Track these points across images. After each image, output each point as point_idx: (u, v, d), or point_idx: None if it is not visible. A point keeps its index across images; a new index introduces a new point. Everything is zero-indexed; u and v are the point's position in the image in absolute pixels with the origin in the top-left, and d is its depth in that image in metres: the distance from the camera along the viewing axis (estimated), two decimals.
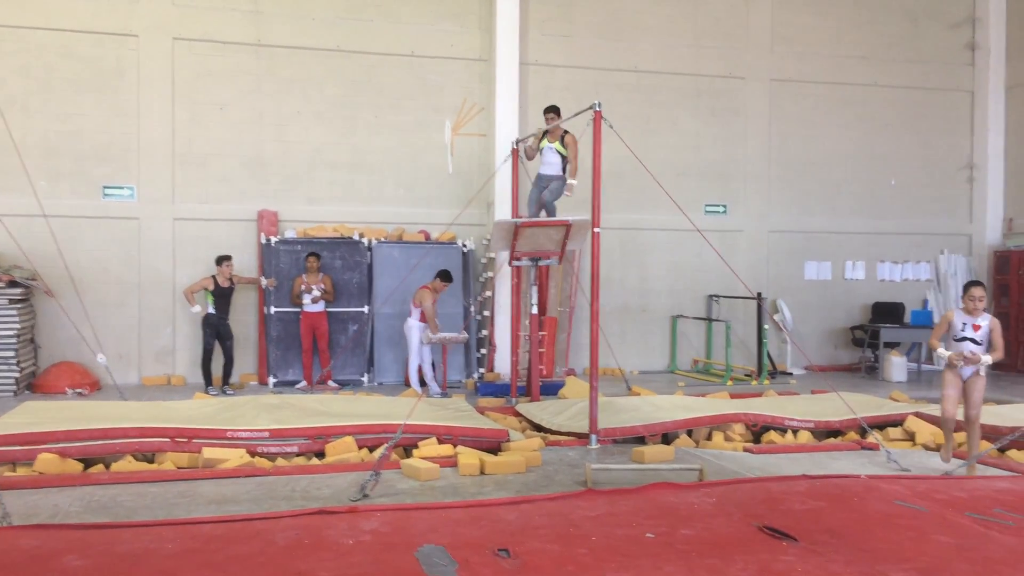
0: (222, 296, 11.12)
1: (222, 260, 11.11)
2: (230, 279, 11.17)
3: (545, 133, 10.22)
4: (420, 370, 11.07)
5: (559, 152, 10.09)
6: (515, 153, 10.81)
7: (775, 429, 8.53)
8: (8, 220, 10.18)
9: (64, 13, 11.54)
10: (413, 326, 11.00)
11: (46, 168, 11.48)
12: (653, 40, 13.67)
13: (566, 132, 10.03)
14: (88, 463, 6.97)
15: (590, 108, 8.47)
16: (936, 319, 14.17)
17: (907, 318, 13.91)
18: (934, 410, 9.08)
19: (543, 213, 10.31)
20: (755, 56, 14.12)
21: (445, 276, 11.09)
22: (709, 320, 13.73)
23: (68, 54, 11.61)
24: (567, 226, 9.85)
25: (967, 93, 15.10)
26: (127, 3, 11.75)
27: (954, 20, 15.01)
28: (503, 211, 12.17)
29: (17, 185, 10.89)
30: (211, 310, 11.07)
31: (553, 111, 10.23)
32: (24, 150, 10.62)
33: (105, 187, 11.79)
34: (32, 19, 11.44)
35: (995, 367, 14.14)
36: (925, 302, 14.72)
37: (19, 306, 10.75)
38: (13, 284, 10.72)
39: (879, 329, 13.20)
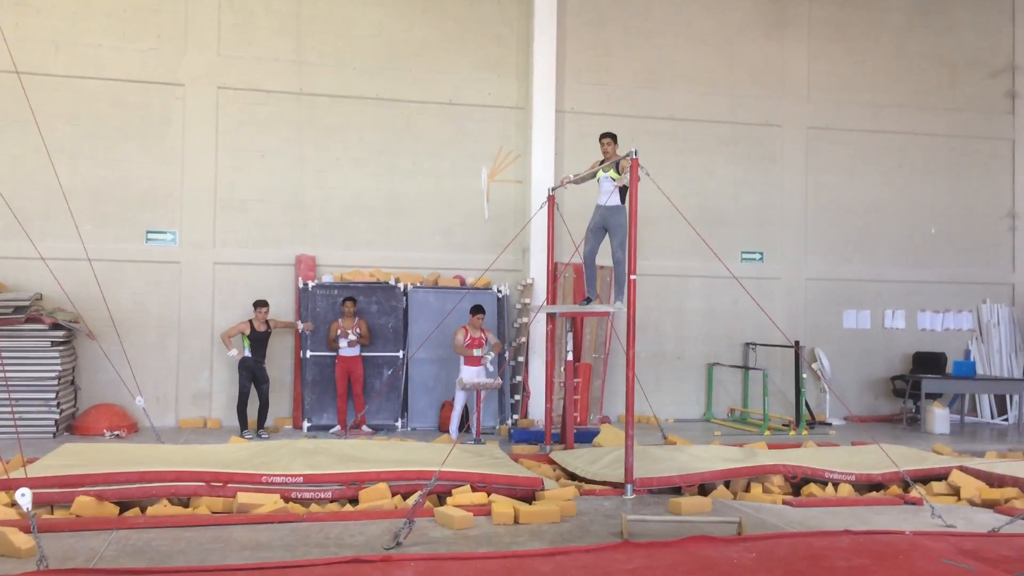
0: (258, 340, 11.22)
1: (258, 305, 11.23)
2: (266, 323, 11.28)
3: (601, 163, 9.65)
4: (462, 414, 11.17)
5: (613, 179, 9.38)
6: (551, 200, 10.85)
7: (815, 481, 8.35)
8: (54, 264, 10.38)
9: (115, 64, 11.89)
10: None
11: (91, 213, 11.74)
12: (689, 88, 13.75)
13: (622, 158, 9.28)
14: (124, 506, 7.00)
15: (627, 156, 8.51)
16: (979, 370, 13.90)
17: (949, 368, 13.64)
18: (979, 464, 8.87)
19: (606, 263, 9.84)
20: (792, 104, 14.13)
21: (474, 309, 11.26)
22: (746, 368, 13.57)
23: (117, 103, 11.93)
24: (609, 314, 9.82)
25: (1008, 141, 14.95)
26: (175, 54, 12.08)
27: (993, 69, 14.92)
28: (538, 257, 12.21)
29: (63, 230, 11.13)
30: (247, 354, 11.17)
31: (609, 137, 9.60)
32: (71, 195, 10.84)
33: (148, 231, 12.01)
34: (84, 69, 11.78)
35: None
36: (967, 352, 14.44)
37: (61, 348, 10.93)
38: (56, 327, 10.91)
39: (920, 379, 12.95)
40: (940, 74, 14.75)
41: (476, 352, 11.15)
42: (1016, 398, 13.63)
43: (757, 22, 14.06)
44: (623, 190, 9.19)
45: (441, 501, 7.33)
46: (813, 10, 14.22)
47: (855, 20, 14.41)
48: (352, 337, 11.55)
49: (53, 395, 10.72)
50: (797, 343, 12.87)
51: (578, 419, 11.55)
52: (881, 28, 14.52)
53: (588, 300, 9.84)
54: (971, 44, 14.87)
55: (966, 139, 14.80)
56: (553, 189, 10.99)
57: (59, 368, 10.79)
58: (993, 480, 8.21)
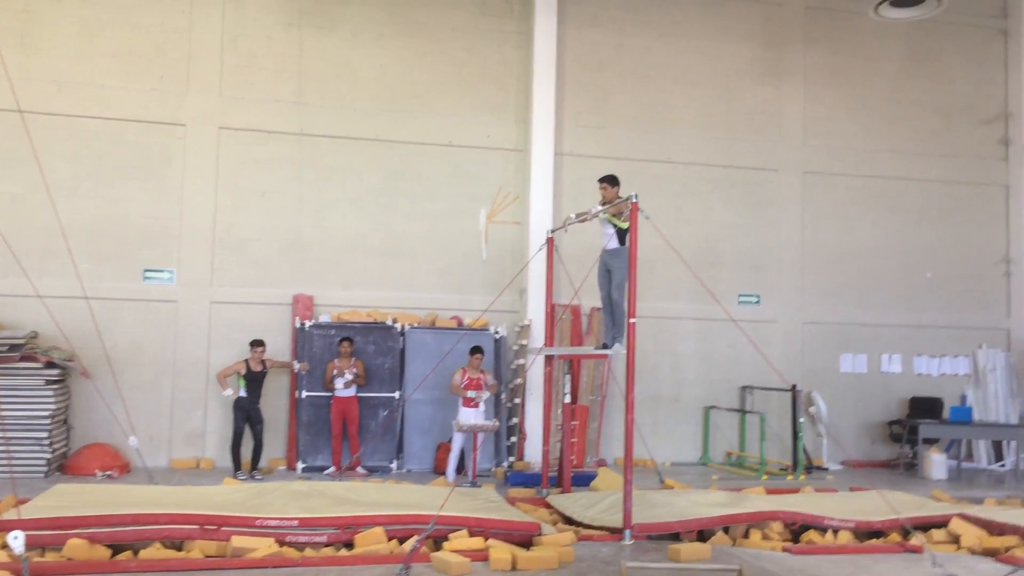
0: (254, 380, 11.17)
1: (255, 345, 11.19)
2: (262, 363, 11.23)
3: (603, 205, 9.37)
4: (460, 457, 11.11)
5: (611, 223, 9.19)
6: (550, 242, 10.88)
7: (815, 528, 8.28)
8: (51, 301, 10.37)
9: (117, 103, 11.97)
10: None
11: (89, 251, 11.73)
12: (687, 132, 13.87)
13: (621, 201, 9.11)
14: (117, 549, 6.90)
15: (627, 199, 8.56)
16: (976, 415, 13.87)
17: (946, 413, 13.61)
18: (979, 511, 8.82)
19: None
20: (788, 149, 14.26)
21: (473, 350, 11.26)
22: (743, 412, 13.52)
23: (118, 142, 11.99)
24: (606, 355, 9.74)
25: (1002, 187, 15.08)
26: (177, 94, 12.17)
27: (987, 116, 15.10)
28: (536, 299, 12.22)
29: (61, 268, 11.13)
30: (243, 394, 11.11)
31: (607, 180, 9.38)
32: (69, 233, 10.86)
33: (146, 270, 12.01)
34: (87, 108, 11.86)
35: None
36: (964, 397, 14.40)
37: (55, 387, 10.86)
38: (51, 365, 10.84)
39: (917, 425, 12.91)
40: (934, 121, 14.92)
41: (471, 394, 11.08)
42: (1013, 444, 13.58)
43: (753, 68, 14.23)
44: (621, 233, 9.13)
45: (437, 546, 7.25)
46: (808, 57, 14.41)
47: (850, 67, 14.60)
48: (348, 377, 11.51)
49: (46, 434, 10.63)
50: (794, 387, 12.84)
51: (575, 462, 11.47)
52: (876, 75, 14.71)
53: (605, 346, 9.67)
54: (965, 91, 15.05)
55: (961, 185, 14.92)
56: (554, 231, 11.01)
57: (52, 407, 10.71)
58: (993, 528, 8.14)
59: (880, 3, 12.16)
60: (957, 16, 14.61)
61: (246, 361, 11.17)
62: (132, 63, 12.09)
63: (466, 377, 11.18)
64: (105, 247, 11.89)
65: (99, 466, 10.89)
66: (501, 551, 6.83)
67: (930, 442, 12.96)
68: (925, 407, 13.77)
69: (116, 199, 11.97)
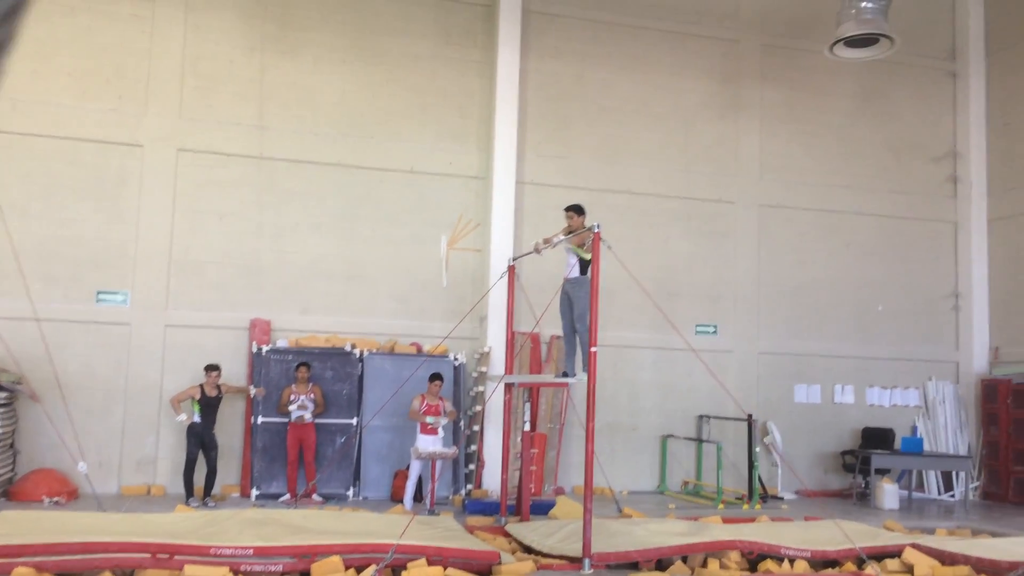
0: (208, 405, 10.98)
1: (210, 369, 11.02)
2: (218, 388, 11.06)
3: (568, 233, 9.39)
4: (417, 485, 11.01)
5: (577, 254, 9.18)
6: (511, 270, 10.91)
7: (772, 557, 8.35)
8: None
9: (72, 122, 11.80)
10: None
11: (41, 272, 11.49)
12: (646, 164, 14.05)
13: (584, 231, 9.09)
14: None
15: (589, 229, 8.62)
16: (926, 446, 14.13)
17: (897, 444, 13.85)
18: (931, 541, 8.96)
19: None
20: (744, 182, 14.51)
21: (432, 377, 11.20)
22: (699, 441, 13.62)
23: (72, 162, 11.81)
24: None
25: (951, 224, 15.48)
26: (135, 115, 12.03)
27: (936, 154, 15.54)
28: (497, 326, 12.23)
29: (11, 288, 10.90)
30: (196, 419, 10.91)
31: (572, 209, 9.44)
32: (21, 253, 10.64)
33: (99, 292, 11.79)
34: (41, 127, 11.67)
35: (986, 497, 14.13)
36: (914, 428, 14.68)
37: (2, 410, 10.58)
38: None
39: (870, 455, 13.11)
40: (886, 157, 15.30)
41: (429, 420, 11.00)
42: (961, 474, 13.85)
43: (712, 103, 14.50)
44: (584, 263, 9.18)
45: (396, 575, 7.16)
46: (765, 93, 14.73)
47: (805, 104, 14.95)
48: (304, 404, 11.36)
49: None
50: (750, 416, 12.96)
51: (533, 490, 11.44)
52: (830, 112, 15.07)
53: (565, 374, 9.69)
54: (915, 130, 15.48)
55: (911, 221, 15.29)
56: (515, 259, 11.03)
57: None
58: (945, 558, 8.27)
59: (834, 43, 12.48)
60: (908, 57, 15.05)
61: (201, 386, 10.99)
62: (90, 83, 11.94)
63: (424, 403, 11.11)
64: (57, 268, 11.66)
65: (46, 492, 10.58)
66: None
67: (882, 472, 13.16)
68: (877, 438, 14.00)
69: (70, 220, 11.75)
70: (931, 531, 10.32)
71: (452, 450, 11.12)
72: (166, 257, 12.02)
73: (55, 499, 10.54)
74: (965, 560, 8.12)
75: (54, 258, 11.65)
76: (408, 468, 11.27)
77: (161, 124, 12.11)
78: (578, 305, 9.24)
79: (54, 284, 11.61)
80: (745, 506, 12.29)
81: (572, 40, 13.91)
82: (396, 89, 13.10)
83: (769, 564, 8.23)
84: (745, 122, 14.60)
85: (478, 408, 12.36)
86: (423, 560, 7.27)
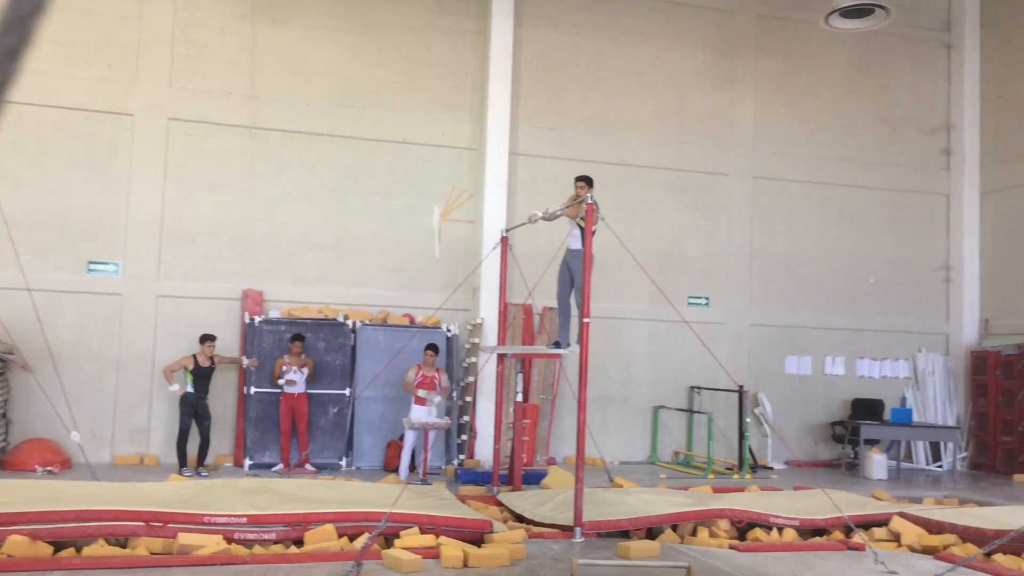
0: (202, 376, 10.99)
1: (205, 339, 11.01)
2: (211, 359, 11.06)
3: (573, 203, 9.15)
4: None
5: (579, 225, 8.97)
6: (504, 241, 10.90)
7: (761, 526, 8.44)
8: None
9: (63, 91, 11.69)
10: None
11: (32, 242, 11.43)
12: (640, 135, 14.01)
13: (579, 202, 8.99)
14: (59, 546, 6.75)
15: (583, 201, 8.61)
16: (915, 417, 14.24)
17: (887, 415, 13.95)
18: (918, 510, 9.06)
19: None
20: (738, 154, 14.48)
21: (428, 347, 11.24)
22: (691, 412, 13.70)
23: (63, 131, 11.71)
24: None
25: (943, 196, 15.49)
26: (125, 84, 11.93)
27: (930, 127, 15.51)
28: (489, 298, 12.23)
29: (2, 258, 10.84)
30: (190, 389, 10.92)
31: (582, 180, 9.13)
32: (12, 223, 10.61)
33: (90, 262, 11.75)
34: (31, 96, 11.52)
35: (974, 467, 14.28)
36: (904, 400, 14.79)
37: None
38: None
39: (859, 426, 13.22)
40: (879, 130, 15.27)
41: (422, 394, 11.03)
42: (950, 445, 13.98)
43: (706, 74, 14.43)
44: (584, 233, 9.13)
45: (388, 543, 7.22)
46: (759, 65, 14.65)
47: (799, 76, 14.88)
48: (292, 379, 11.36)
49: None
50: (741, 387, 13.05)
51: (525, 460, 11.51)
52: (823, 84, 15.01)
53: (557, 344, 9.72)
54: (909, 102, 15.44)
55: (904, 193, 15.30)
56: (508, 230, 11.04)
57: None
58: (932, 527, 8.38)
59: (830, 13, 12.41)
60: (903, 29, 14.98)
61: (194, 356, 10.99)
62: (79, 51, 11.81)
63: (420, 374, 11.14)
64: (48, 238, 11.60)
65: (39, 461, 10.61)
66: (452, 548, 6.84)
67: (871, 443, 13.27)
68: (867, 409, 14.10)
69: (60, 189, 11.68)
70: (919, 500, 10.44)
71: (445, 421, 11.17)
72: (158, 227, 11.96)
73: (48, 468, 10.57)
74: (952, 529, 8.22)
75: (45, 228, 11.59)
76: (401, 439, 11.33)
77: (151, 93, 12.01)
78: (578, 277, 9.21)
79: (45, 254, 11.56)
80: (735, 476, 12.40)
81: (567, 10, 13.80)
82: (389, 59, 13.00)
83: (758, 532, 8.33)
84: (739, 94, 14.54)
85: (471, 379, 12.39)
86: (415, 529, 7.32)
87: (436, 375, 11.21)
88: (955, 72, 15.54)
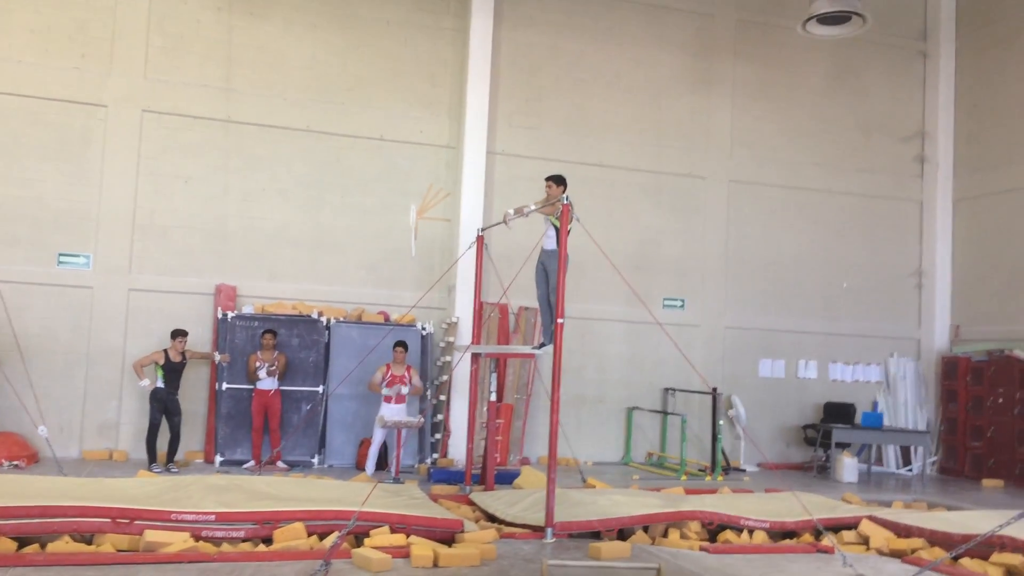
0: (173, 371, 10.88)
1: (177, 335, 10.91)
2: (182, 354, 10.95)
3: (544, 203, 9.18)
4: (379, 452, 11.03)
5: (553, 224, 8.94)
6: (480, 240, 10.88)
7: (731, 528, 8.46)
8: None
9: (35, 81, 11.53)
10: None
11: (1, 233, 11.28)
12: (617, 137, 14.03)
13: (553, 202, 9.00)
14: (23, 542, 6.65)
15: (558, 201, 8.60)
16: (886, 421, 14.36)
17: (858, 419, 14.06)
18: (887, 514, 9.13)
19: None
20: (715, 158, 14.53)
21: (397, 344, 11.25)
22: (664, 413, 13.74)
23: (34, 121, 11.56)
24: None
25: (916, 203, 15.64)
26: (99, 74, 11.78)
27: (904, 134, 15.65)
28: (464, 296, 12.20)
29: None
30: (160, 384, 10.81)
31: (551, 179, 9.17)
32: None
33: (60, 255, 11.59)
34: (2, 85, 11.40)
35: (943, 472, 14.42)
36: (875, 404, 14.91)
37: None
38: None
39: (831, 429, 13.30)
40: (855, 136, 15.39)
41: (387, 392, 11.00)
42: (920, 449, 14.11)
43: (684, 77, 14.47)
44: (559, 233, 9.12)
45: (359, 542, 7.17)
46: (737, 69, 14.72)
47: (777, 80, 14.97)
48: (262, 375, 11.28)
49: None
50: (715, 390, 13.11)
51: (498, 460, 11.49)
52: (801, 89, 15.11)
53: (543, 345, 9.65)
54: (884, 109, 15.58)
55: (878, 199, 15.43)
56: (483, 229, 11.01)
57: None
58: (900, 530, 8.43)
59: (807, 20, 12.48)
60: (880, 36, 15.11)
61: (165, 351, 10.88)
62: (52, 40, 11.66)
63: (389, 374, 11.09)
64: (18, 229, 11.44)
65: (5, 455, 10.46)
66: (423, 548, 6.80)
67: (842, 446, 13.36)
68: (838, 412, 14.19)
69: (31, 180, 11.52)
70: (888, 504, 10.52)
71: (418, 419, 11.13)
72: (130, 220, 11.83)
73: (15, 463, 10.42)
74: (920, 532, 8.28)
75: (15, 219, 11.43)
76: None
77: (125, 84, 11.87)
78: (553, 277, 9.19)
79: (15, 246, 11.40)
80: (708, 478, 12.45)
81: (547, 10, 13.79)
82: (367, 55, 12.93)
83: (728, 534, 8.35)
84: (717, 98, 14.60)
85: (445, 378, 12.36)
86: (386, 528, 7.27)
87: (406, 373, 11.16)
88: (930, 80, 15.70)
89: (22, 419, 10.56)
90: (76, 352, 11.54)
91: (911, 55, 15.76)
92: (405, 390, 11.09)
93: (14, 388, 10.26)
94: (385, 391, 11.01)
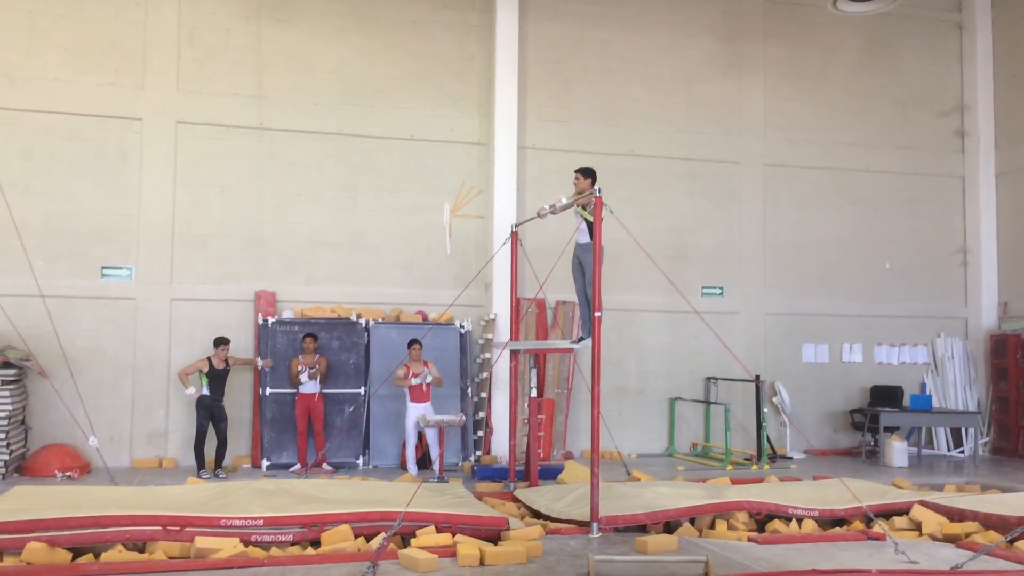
0: (217, 378, 11.02)
1: (219, 343, 11.04)
2: (226, 361, 11.09)
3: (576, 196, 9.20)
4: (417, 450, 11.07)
5: (584, 217, 9.09)
6: (514, 236, 10.85)
7: (779, 517, 8.37)
8: (5, 300, 10.17)
9: (70, 98, 11.73)
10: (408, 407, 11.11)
11: (45, 248, 11.49)
12: (648, 125, 13.91)
13: (586, 195, 8.96)
14: (77, 552, 6.78)
15: (590, 193, 8.55)
16: (935, 403, 14.10)
17: (906, 402, 13.83)
18: (939, 498, 8.97)
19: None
20: (749, 142, 14.35)
21: (409, 343, 11.24)
22: (707, 403, 13.63)
23: (72, 137, 11.75)
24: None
25: (958, 179, 15.31)
26: (132, 88, 11.95)
27: (943, 108, 15.33)
28: (501, 292, 12.19)
29: (15, 266, 10.92)
30: (205, 392, 10.95)
31: (580, 172, 9.27)
32: (24, 231, 10.70)
33: (103, 267, 11.79)
34: (39, 103, 11.60)
35: (996, 452, 14.13)
36: (923, 386, 14.66)
37: (11, 387, 10.62)
38: (7, 365, 10.60)
39: (879, 413, 13.09)
40: (892, 113, 15.10)
41: (415, 381, 11.05)
42: (971, 431, 13.84)
43: (714, 61, 14.31)
44: (591, 226, 8.97)
45: (405, 543, 7.21)
46: (768, 50, 14.51)
47: (809, 60, 14.74)
48: (304, 379, 11.37)
49: (3, 435, 10.40)
50: (758, 377, 12.97)
51: (541, 455, 11.49)
52: (834, 68, 14.86)
53: (582, 339, 9.63)
54: (921, 84, 15.26)
55: (918, 176, 15.13)
56: (518, 224, 10.99)
57: (10, 407, 10.48)
58: (953, 514, 8.28)
59: None
60: (913, 10, 14.81)
61: (209, 359, 11.02)
62: (86, 56, 11.84)
63: (410, 373, 11.13)
64: (61, 244, 11.65)
65: (59, 467, 10.68)
66: (469, 547, 6.81)
67: (891, 430, 13.15)
68: (886, 395, 13.98)
69: (71, 195, 11.72)
70: (940, 488, 10.34)
71: (460, 417, 11.15)
72: (169, 231, 11.99)
73: (68, 473, 10.63)
74: (973, 516, 8.13)
75: (57, 234, 11.64)
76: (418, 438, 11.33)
77: (159, 96, 12.03)
78: (588, 270, 9.17)
79: (58, 260, 11.61)
80: (754, 466, 12.33)
81: (571, 1, 13.71)
82: (394, 55, 12.96)
83: (777, 524, 8.27)
84: (748, 80, 14.41)
85: (485, 375, 12.37)
86: (432, 527, 7.30)
87: (425, 368, 11.19)
88: (967, 52, 15.34)
89: (73, 431, 10.78)
90: (122, 363, 11.74)
91: (946, 27, 15.41)
92: (429, 378, 11.11)
93: (64, 400, 10.47)
94: (414, 380, 11.04)
